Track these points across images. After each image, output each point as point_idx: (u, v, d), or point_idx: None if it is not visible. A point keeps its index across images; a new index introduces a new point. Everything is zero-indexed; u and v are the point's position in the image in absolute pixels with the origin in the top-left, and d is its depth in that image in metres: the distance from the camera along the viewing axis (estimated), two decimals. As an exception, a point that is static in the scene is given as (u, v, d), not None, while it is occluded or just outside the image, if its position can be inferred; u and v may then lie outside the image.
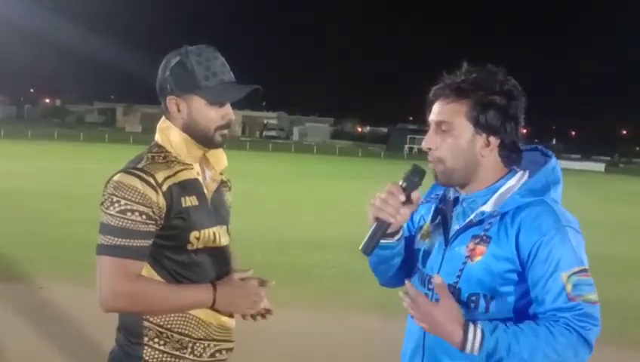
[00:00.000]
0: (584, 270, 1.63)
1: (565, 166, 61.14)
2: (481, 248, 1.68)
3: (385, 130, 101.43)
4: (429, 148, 1.75)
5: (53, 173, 19.63)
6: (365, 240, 1.75)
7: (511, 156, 1.75)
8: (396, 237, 1.84)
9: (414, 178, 1.75)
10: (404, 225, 1.92)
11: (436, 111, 1.74)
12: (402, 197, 1.73)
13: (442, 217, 1.84)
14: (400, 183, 1.75)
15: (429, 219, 1.89)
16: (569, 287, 1.59)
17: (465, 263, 1.70)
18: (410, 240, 1.94)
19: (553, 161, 1.79)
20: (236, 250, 2.14)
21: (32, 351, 4.66)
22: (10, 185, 15.27)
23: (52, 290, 6.26)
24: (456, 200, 1.82)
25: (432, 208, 1.90)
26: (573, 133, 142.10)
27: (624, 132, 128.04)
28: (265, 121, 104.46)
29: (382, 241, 1.80)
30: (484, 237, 1.68)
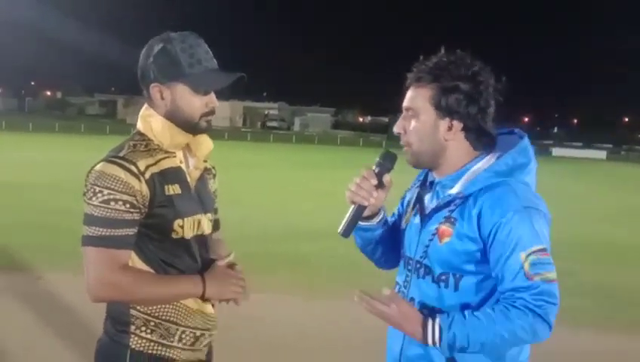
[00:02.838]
0: (543, 249, 1.66)
1: (567, 154, 61.40)
2: (448, 229, 1.74)
3: (386, 119, 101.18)
4: (399, 133, 1.83)
5: (53, 164, 19.65)
6: (343, 223, 1.85)
7: (479, 140, 1.79)
8: (376, 220, 1.94)
9: (386, 162, 1.85)
10: (395, 210, 2.04)
11: (406, 97, 1.82)
12: (374, 181, 1.83)
13: (420, 201, 1.90)
14: (373, 168, 1.84)
15: (412, 203, 1.95)
16: (527, 266, 1.63)
17: (431, 240, 1.77)
18: (399, 224, 2.00)
19: (523, 143, 1.82)
20: (225, 237, 2.14)
21: (30, 340, 4.68)
22: (11, 176, 15.30)
23: (51, 280, 6.29)
24: (431, 183, 1.88)
25: (416, 193, 1.95)
26: (575, 120, 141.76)
27: (626, 119, 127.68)
28: (266, 112, 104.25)
29: (362, 224, 1.92)
30: (451, 219, 1.74)
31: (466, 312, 1.66)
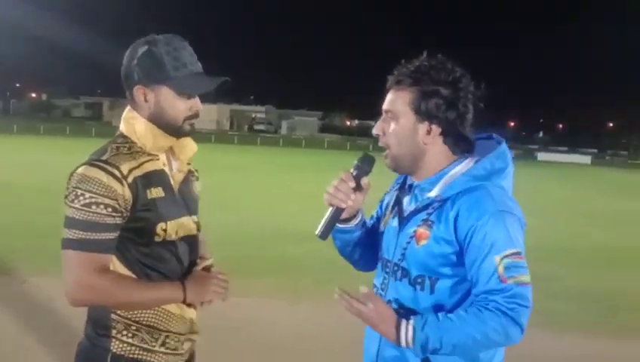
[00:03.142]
0: (517, 253, 1.68)
1: (552, 158, 61.82)
2: (425, 232, 1.76)
3: (373, 123, 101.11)
4: (378, 135, 1.85)
5: (39, 166, 19.47)
6: (321, 225, 1.86)
7: (457, 144, 1.81)
8: (354, 222, 1.96)
9: (364, 165, 1.87)
10: (374, 212, 2.06)
11: (386, 100, 1.83)
12: (352, 184, 1.85)
13: (398, 204, 1.91)
14: (351, 171, 1.86)
15: (390, 206, 1.96)
16: (501, 269, 1.65)
17: (409, 243, 1.78)
18: (377, 227, 2.02)
19: (501, 147, 1.84)
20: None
21: (12, 344, 4.63)
22: (-5, 179, 15.13)
23: (36, 283, 6.22)
24: (410, 186, 1.89)
25: (394, 196, 1.97)
26: (560, 125, 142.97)
27: (611, 125, 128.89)
28: (253, 115, 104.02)
29: (340, 226, 1.94)
30: (429, 222, 1.76)
31: (440, 314, 1.68)
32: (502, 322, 1.63)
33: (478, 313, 1.64)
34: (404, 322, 1.68)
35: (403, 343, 1.67)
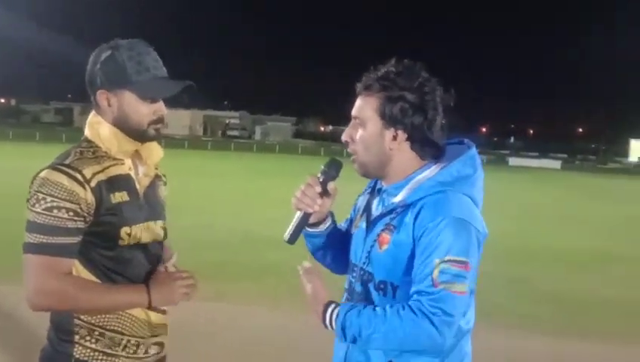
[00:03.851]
0: (461, 261, 1.64)
1: (523, 163, 62.72)
2: (387, 237, 1.76)
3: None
4: (346, 141, 1.85)
5: (6, 172, 19.10)
6: (289, 229, 1.88)
7: (424, 150, 1.80)
8: (323, 227, 1.97)
9: (331, 170, 1.88)
10: (349, 215, 2.06)
11: (355, 106, 1.83)
12: (318, 189, 1.86)
13: (368, 207, 1.92)
14: (317, 175, 1.87)
15: (361, 209, 1.97)
16: (436, 272, 1.63)
17: (372, 246, 1.79)
18: (350, 229, 2.03)
19: (470, 152, 1.84)
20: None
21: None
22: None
23: (0, 290, 6.09)
24: (379, 191, 1.90)
25: (366, 199, 1.98)
26: (531, 131, 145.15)
27: (580, 130, 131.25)
28: (227, 121, 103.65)
29: (309, 230, 1.95)
30: (390, 226, 1.76)
31: (369, 306, 1.71)
32: (420, 324, 1.61)
33: (400, 309, 1.64)
34: (332, 305, 1.74)
35: (327, 324, 1.74)
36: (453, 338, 1.68)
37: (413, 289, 1.67)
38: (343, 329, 1.69)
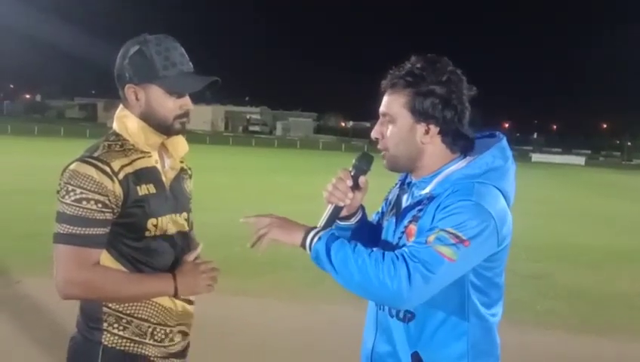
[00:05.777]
0: (459, 237, 1.61)
1: (546, 160, 62.10)
2: (414, 228, 1.77)
3: (368, 124, 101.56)
4: (376, 138, 1.86)
5: (32, 168, 19.42)
6: (320, 221, 1.87)
7: (456, 143, 1.81)
8: (354, 220, 1.98)
9: (361, 164, 1.89)
10: (380, 208, 2.07)
11: (382, 103, 1.84)
12: (350, 182, 1.87)
13: (398, 201, 1.94)
14: (349, 169, 1.88)
15: (392, 203, 1.99)
16: (432, 237, 1.63)
17: (400, 238, 1.80)
18: (381, 223, 2.03)
19: (501, 144, 1.83)
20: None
21: (6, 342, 4.64)
22: (-12, 180, 15.08)
23: (30, 283, 6.22)
24: (409, 184, 1.92)
25: (396, 193, 1.99)
26: (555, 127, 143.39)
27: (604, 126, 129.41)
28: (248, 116, 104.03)
29: (340, 223, 1.95)
30: (417, 218, 1.77)
31: (353, 241, 1.70)
32: (396, 265, 1.58)
33: (385, 252, 1.64)
34: (314, 230, 1.74)
35: (307, 245, 1.72)
36: (420, 302, 1.64)
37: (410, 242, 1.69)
38: (320, 251, 1.67)
